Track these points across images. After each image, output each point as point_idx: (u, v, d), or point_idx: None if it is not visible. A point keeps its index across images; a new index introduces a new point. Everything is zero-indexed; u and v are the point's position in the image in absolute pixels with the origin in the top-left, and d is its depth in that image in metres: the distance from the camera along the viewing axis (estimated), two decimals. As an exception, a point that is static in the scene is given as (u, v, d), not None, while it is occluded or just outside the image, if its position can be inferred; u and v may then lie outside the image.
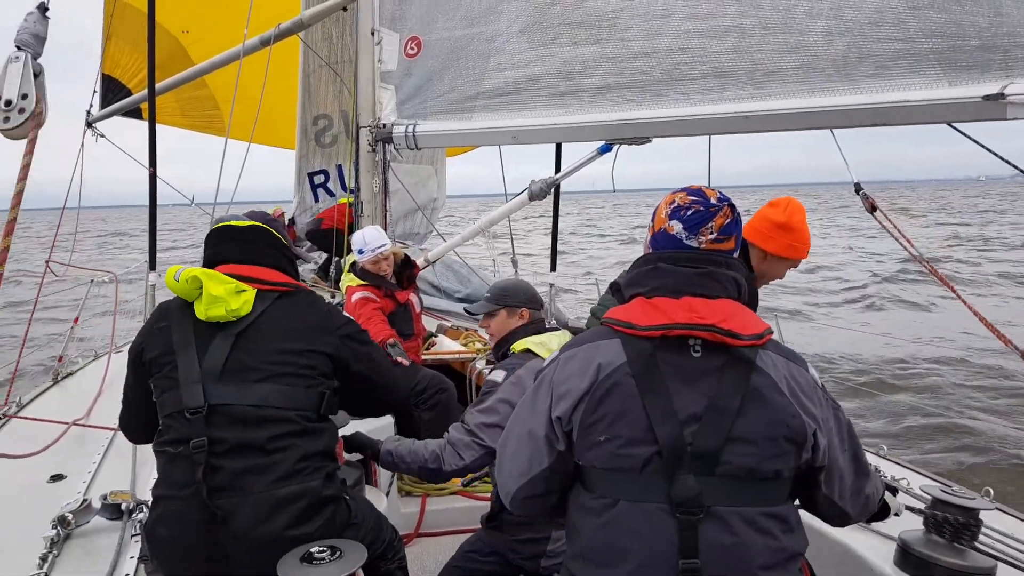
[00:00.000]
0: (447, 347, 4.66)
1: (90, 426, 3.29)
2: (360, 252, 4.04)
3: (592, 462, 1.47)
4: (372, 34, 4.74)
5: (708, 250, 1.51)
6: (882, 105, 2.72)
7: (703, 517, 1.36)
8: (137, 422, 2.11)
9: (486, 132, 4.10)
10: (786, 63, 3.05)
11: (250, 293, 1.94)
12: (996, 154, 2.52)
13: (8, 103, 2.08)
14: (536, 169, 4.46)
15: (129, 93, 7.31)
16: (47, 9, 2.34)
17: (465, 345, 4.83)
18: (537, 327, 2.68)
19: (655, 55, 3.44)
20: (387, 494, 3.15)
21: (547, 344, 2.55)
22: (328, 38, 8.13)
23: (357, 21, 4.95)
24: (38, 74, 2.19)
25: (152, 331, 1.97)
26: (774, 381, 1.40)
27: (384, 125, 4.73)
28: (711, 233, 1.50)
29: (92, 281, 4.80)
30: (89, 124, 6.93)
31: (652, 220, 1.61)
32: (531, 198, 4.09)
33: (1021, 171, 2.54)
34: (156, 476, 1.90)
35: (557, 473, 1.55)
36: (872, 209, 2.68)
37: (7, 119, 2.08)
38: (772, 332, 1.48)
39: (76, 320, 4.64)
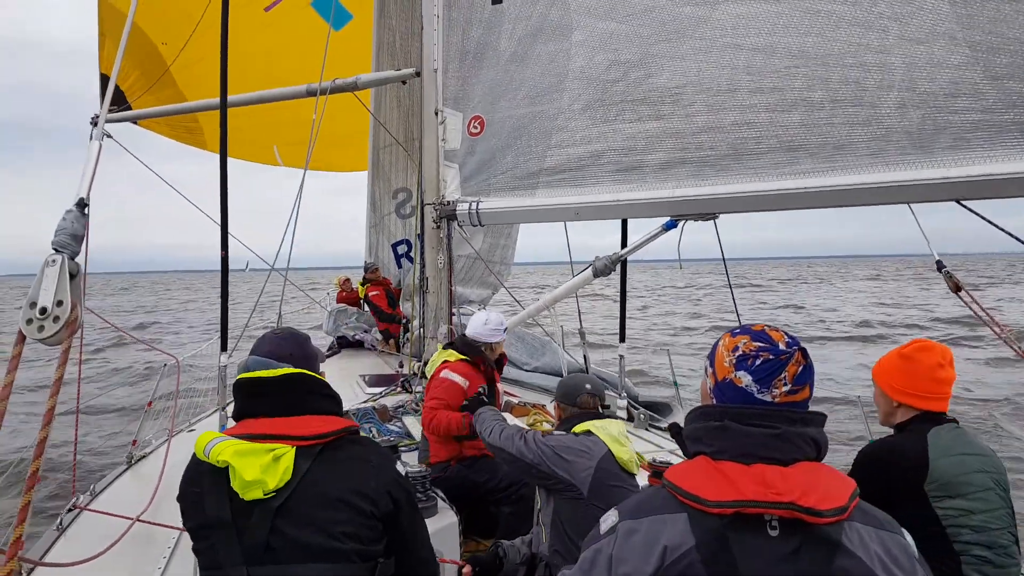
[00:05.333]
0: None
1: (154, 523, 3.45)
2: (494, 331, 4.21)
3: None
4: (436, 114, 5.01)
5: (783, 403, 1.41)
6: (963, 179, 2.70)
7: None
8: None
9: (549, 209, 4.23)
10: (858, 136, 3.07)
11: (289, 456, 1.79)
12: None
13: (43, 311, 2.07)
14: (604, 238, 4.57)
15: (124, 96, 8.14)
16: (86, 206, 2.33)
17: (531, 425, 4.86)
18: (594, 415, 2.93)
19: (720, 130, 3.52)
20: None
21: (607, 428, 2.77)
22: (404, 116, 8.72)
23: (421, 101, 5.26)
24: (75, 275, 2.16)
25: (187, 495, 1.86)
26: (864, 564, 1.29)
27: (448, 202, 4.94)
28: (785, 385, 1.41)
29: (165, 365, 5.10)
30: (94, 124, 7.47)
31: (711, 364, 1.52)
32: (595, 275, 4.17)
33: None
34: None
35: None
36: (956, 289, 2.63)
37: (41, 328, 2.05)
38: (858, 496, 1.37)
39: (150, 404, 4.92)
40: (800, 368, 1.42)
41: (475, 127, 4.81)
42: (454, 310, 5.45)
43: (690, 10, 3.63)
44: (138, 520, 3.40)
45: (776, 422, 1.39)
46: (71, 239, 2.23)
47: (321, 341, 11.44)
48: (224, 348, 4.83)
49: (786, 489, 1.30)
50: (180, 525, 3.33)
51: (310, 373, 2.01)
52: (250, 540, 1.72)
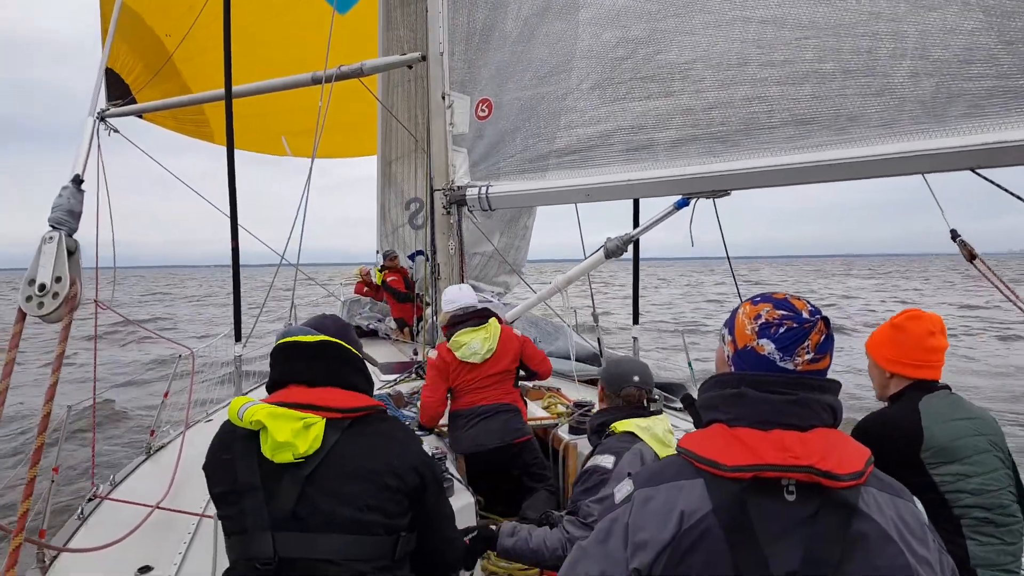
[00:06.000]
0: (531, 413, 4.74)
1: (173, 510, 3.52)
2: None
3: None
4: (443, 98, 5.02)
5: (804, 372, 1.41)
6: (978, 147, 2.68)
7: None
8: None
9: (559, 191, 4.25)
10: (871, 107, 3.06)
11: (319, 426, 1.84)
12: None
13: (42, 287, 2.07)
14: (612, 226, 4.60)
15: (128, 89, 8.15)
16: (82, 182, 2.37)
17: (547, 408, 4.90)
18: (639, 410, 2.75)
19: (731, 105, 3.51)
20: None
21: (653, 430, 2.62)
22: (413, 109, 8.85)
23: (428, 85, 5.27)
24: (73, 251, 2.15)
25: (217, 461, 1.91)
26: (881, 527, 1.30)
27: (458, 187, 4.96)
28: (808, 353, 1.41)
29: (180, 356, 5.17)
30: (102, 118, 7.35)
31: (730, 332, 1.52)
32: (607, 256, 4.17)
33: None
34: None
35: None
36: (971, 258, 2.63)
37: (41, 304, 2.07)
38: (873, 462, 1.38)
39: (166, 394, 4.99)
40: (823, 337, 1.42)
41: (483, 110, 4.82)
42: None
43: (698, -16, 3.62)
44: (158, 507, 3.47)
45: (794, 389, 1.39)
46: (68, 215, 2.22)
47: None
48: (238, 338, 4.90)
49: (804, 453, 1.30)
50: (199, 512, 3.43)
51: (347, 345, 2.06)
52: (278, 506, 1.77)
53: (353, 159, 12.28)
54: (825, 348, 1.42)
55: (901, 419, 2.40)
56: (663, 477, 1.43)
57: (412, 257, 10.33)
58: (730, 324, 1.53)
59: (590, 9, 4.13)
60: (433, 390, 4.23)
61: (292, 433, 1.79)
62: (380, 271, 10.14)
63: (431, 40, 5.05)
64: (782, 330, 1.42)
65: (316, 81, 5.55)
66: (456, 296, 4.33)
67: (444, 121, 5.05)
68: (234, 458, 1.85)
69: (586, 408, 4.45)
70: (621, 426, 2.64)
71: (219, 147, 9.60)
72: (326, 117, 5.10)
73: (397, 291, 9.56)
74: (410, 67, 5.51)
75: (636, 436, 2.58)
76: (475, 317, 4.21)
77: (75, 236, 2.26)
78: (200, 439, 4.77)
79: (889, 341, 2.52)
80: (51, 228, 2.17)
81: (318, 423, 1.84)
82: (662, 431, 2.63)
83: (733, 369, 1.49)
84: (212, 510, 3.43)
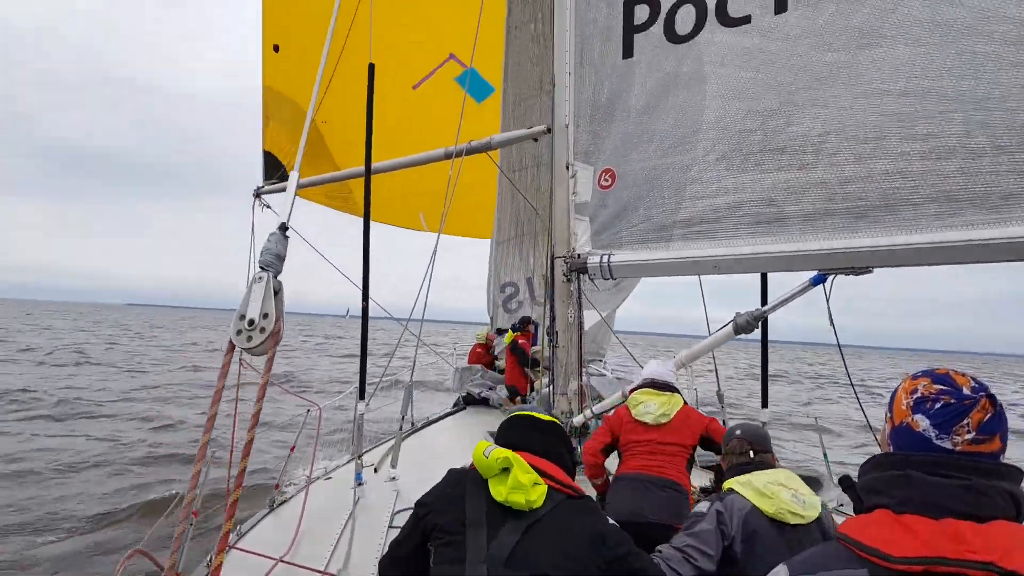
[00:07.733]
0: None
1: (295, 564, 3.72)
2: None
3: None
4: (567, 167, 5.17)
5: (966, 453, 1.32)
6: None
7: None
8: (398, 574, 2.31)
9: (685, 262, 4.25)
10: (1028, 184, 2.93)
11: (543, 488, 2.13)
12: None
13: (251, 322, 2.33)
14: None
15: (284, 168, 9.17)
16: (287, 229, 2.70)
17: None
18: (742, 468, 2.90)
19: (870, 179, 3.45)
20: None
21: (752, 483, 2.74)
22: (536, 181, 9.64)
23: (552, 154, 5.45)
24: (278, 291, 2.44)
25: (444, 495, 2.19)
26: None
27: (579, 255, 5.05)
28: (968, 432, 1.32)
29: (308, 411, 5.45)
30: (257, 195, 8.50)
31: (890, 410, 1.47)
32: (736, 331, 4.12)
33: None
34: None
35: None
36: None
37: (249, 338, 2.33)
38: None
39: (292, 448, 5.26)
40: (987, 416, 1.33)
41: (606, 180, 4.92)
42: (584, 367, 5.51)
43: (832, 56, 3.62)
44: (281, 561, 3.66)
45: (967, 473, 1.30)
46: (275, 259, 2.53)
47: (445, 398, 11.81)
48: (362, 396, 5.11)
49: (983, 547, 1.21)
50: (321, 569, 3.58)
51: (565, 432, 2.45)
52: (497, 545, 2.01)
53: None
54: (991, 428, 1.33)
55: None
56: (822, 565, 1.37)
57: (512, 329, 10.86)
58: (890, 401, 1.49)
59: (717, 81, 4.18)
60: (595, 436, 4.41)
61: (528, 481, 2.09)
62: (513, 331, 10.32)
63: (556, 113, 5.24)
64: (938, 405, 1.35)
65: (448, 156, 5.89)
66: (647, 369, 4.57)
67: (567, 190, 5.19)
68: (464, 494, 2.14)
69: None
70: (726, 485, 2.81)
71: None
72: (454, 194, 5.42)
73: (524, 354, 9.67)
74: (536, 140, 5.72)
75: (733, 491, 2.73)
76: (656, 385, 4.37)
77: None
78: (320, 495, 4.98)
79: None
80: (261, 269, 2.49)
81: (543, 485, 2.13)
82: (763, 483, 2.69)
83: (892, 448, 1.44)
84: (335, 567, 3.58)
